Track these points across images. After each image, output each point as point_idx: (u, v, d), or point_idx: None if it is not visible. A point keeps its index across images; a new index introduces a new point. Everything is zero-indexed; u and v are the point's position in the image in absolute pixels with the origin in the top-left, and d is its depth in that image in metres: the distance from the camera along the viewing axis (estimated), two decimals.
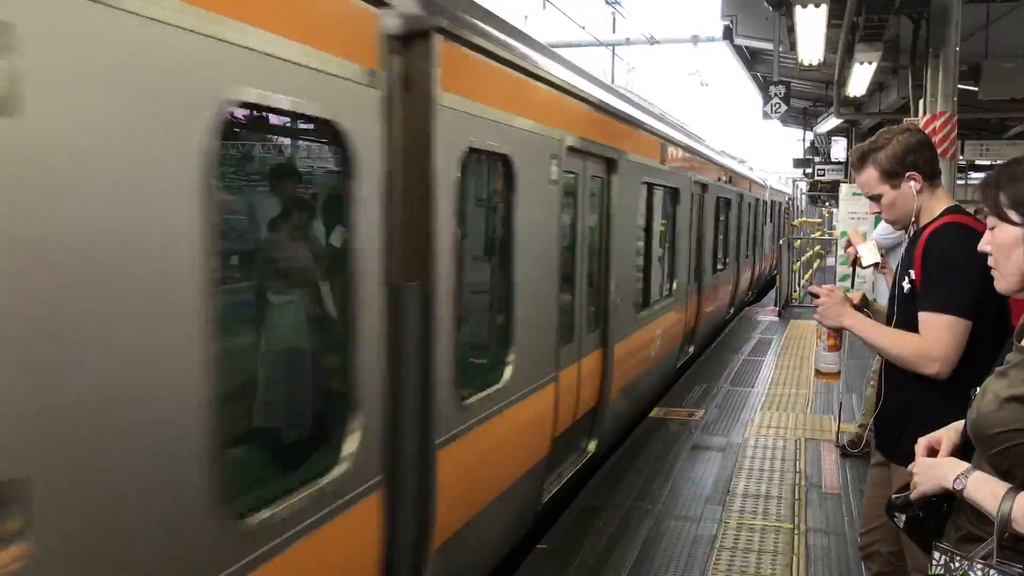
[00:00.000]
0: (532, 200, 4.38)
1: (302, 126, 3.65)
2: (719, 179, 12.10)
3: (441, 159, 3.32)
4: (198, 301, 2.14)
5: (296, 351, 3.15)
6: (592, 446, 6.23)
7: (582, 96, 5.42)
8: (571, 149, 5.19)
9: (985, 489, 1.85)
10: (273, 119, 3.33)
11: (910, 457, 2.24)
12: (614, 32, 22.47)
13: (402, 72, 3.09)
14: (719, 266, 12.60)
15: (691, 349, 10.70)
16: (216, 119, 2.20)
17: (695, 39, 21.28)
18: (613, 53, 22.82)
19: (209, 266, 2.17)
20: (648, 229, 8.08)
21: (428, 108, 3.21)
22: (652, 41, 19.87)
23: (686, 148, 9.63)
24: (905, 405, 2.91)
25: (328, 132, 2.82)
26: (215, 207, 2.18)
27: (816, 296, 3.14)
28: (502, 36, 4.10)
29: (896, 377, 2.95)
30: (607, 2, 21.14)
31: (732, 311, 15.03)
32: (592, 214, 6.09)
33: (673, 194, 9.00)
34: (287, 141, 4.30)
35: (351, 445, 2.82)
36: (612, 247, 6.40)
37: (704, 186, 10.72)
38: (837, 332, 3.12)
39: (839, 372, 3.23)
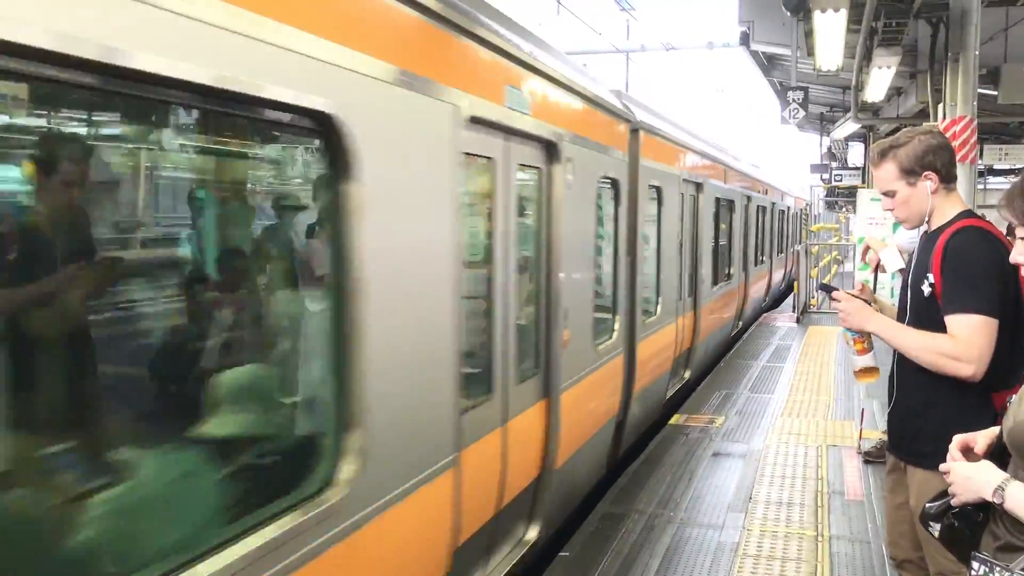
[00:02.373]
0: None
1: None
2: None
3: (641, 189, 7.04)
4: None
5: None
6: None
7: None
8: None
9: None
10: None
11: (929, 457, 2.23)
12: (628, 38, 22.54)
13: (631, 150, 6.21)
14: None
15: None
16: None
17: (711, 45, 21.30)
18: (627, 59, 22.85)
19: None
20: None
21: (637, 166, 6.90)
22: (668, 47, 19.87)
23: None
24: (920, 405, 2.92)
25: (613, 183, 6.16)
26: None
27: (829, 290, 3.17)
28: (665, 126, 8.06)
29: (909, 377, 2.95)
30: (621, 8, 21.17)
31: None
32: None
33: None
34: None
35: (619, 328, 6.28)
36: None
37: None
38: (863, 336, 3.12)
39: (877, 368, 3.19)
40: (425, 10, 3.26)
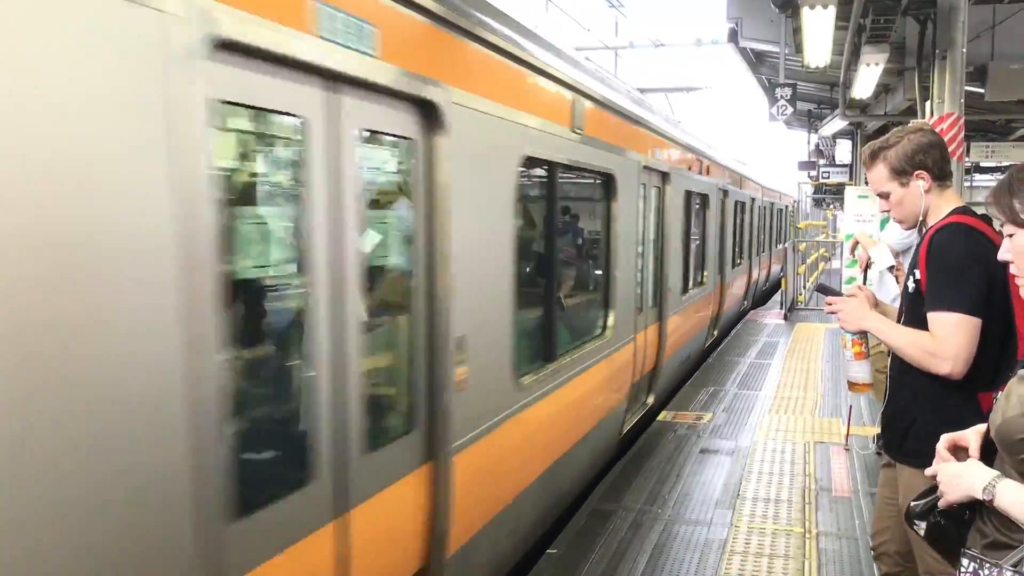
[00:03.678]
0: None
1: None
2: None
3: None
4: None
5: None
6: None
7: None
8: None
9: (1017, 497, 1.82)
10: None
11: (916, 456, 2.21)
12: (616, 35, 22.48)
13: None
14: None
15: None
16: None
17: (699, 42, 21.31)
18: (616, 56, 22.80)
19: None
20: None
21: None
22: (657, 44, 19.85)
23: None
24: (909, 403, 2.91)
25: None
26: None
27: (826, 291, 3.15)
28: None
29: (900, 374, 2.94)
30: (610, 5, 21.13)
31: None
32: None
33: None
34: None
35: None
36: None
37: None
38: (861, 338, 3.10)
39: (871, 383, 3.20)
40: None
